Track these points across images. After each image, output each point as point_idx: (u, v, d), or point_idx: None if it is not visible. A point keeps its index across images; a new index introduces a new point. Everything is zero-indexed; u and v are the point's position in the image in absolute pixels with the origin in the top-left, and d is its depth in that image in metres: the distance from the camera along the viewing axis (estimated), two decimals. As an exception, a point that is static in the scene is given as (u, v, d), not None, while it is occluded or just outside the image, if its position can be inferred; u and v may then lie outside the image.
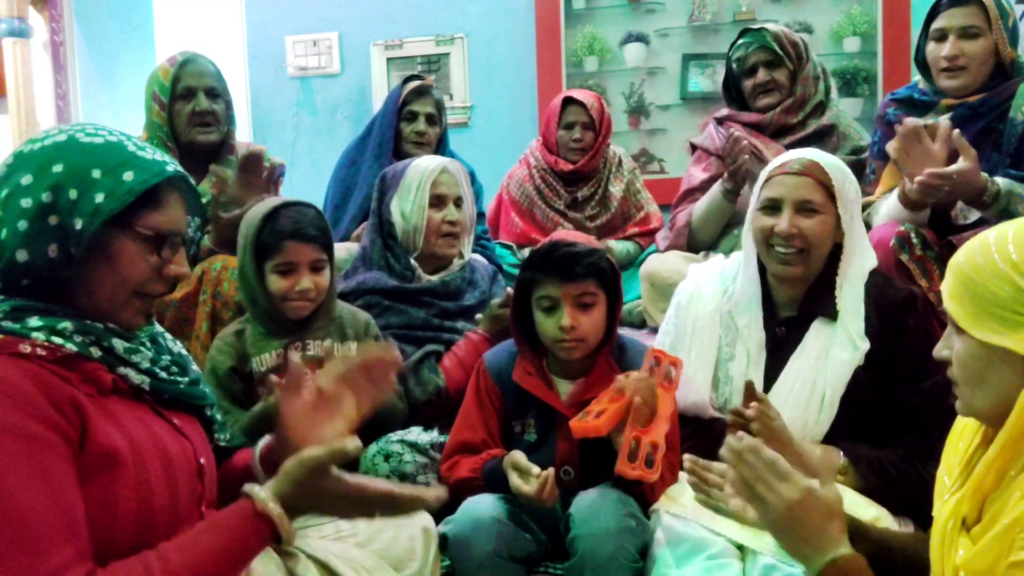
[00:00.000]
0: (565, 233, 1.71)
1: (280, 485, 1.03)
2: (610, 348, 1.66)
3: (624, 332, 1.90)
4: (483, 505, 1.52)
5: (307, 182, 3.81)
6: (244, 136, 2.59)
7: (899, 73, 3.50)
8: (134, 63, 4.29)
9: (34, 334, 0.98)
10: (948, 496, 1.04)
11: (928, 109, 2.17)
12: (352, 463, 1.69)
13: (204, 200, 2.25)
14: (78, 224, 1.00)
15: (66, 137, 1.04)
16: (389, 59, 4.15)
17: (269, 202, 1.80)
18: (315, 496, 1.03)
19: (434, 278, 2.06)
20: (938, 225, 2.04)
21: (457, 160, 2.78)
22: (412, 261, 2.04)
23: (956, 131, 1.89)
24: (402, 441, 1.73)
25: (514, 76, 4.05)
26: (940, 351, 1.05)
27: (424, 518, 1.39)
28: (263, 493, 1.01)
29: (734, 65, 2.58)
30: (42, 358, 0.97)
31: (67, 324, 1.01)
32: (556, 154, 2.91)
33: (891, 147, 1.96)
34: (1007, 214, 1.84)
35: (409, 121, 2.71)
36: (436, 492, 1.07)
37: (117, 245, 1.05)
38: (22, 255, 1.00)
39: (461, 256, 2.14)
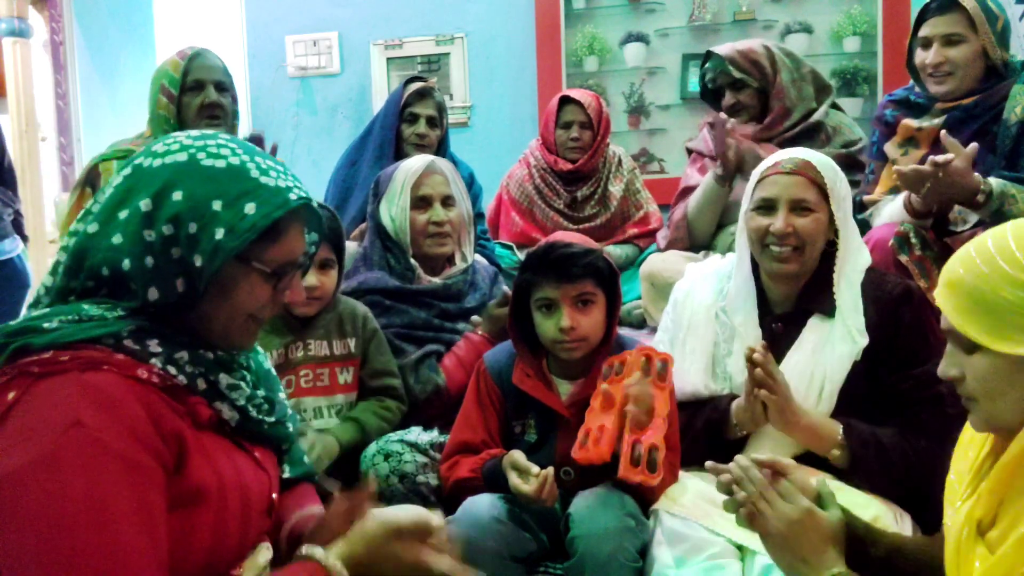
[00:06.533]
0: (562, 234, 1.71)
1: (352, 548, 1.01)
2: (609, 347, 1.66)
3: (624, 332, 1.90)
4: (483, 505, 1.52)
5: (307, 182, 3.70)
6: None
7: (899, 73, 3.48)
8: (134, 63, 4.29)
9: (152, 359, 0.95)
10: (960, 503, 1.01)
11: (924, 110, 2.18)
12: (353, 463, 1.71)
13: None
14: (197, 261, 0.96)
15: (187, 156, 0.99)
16: (389, 59, 4.15)
17: None
18: (383, 560, 1.01)
19: (436, 280, 2.06)
20: (937, 229, 2.04)
21: (456, 161, 2.79)
22: (412, 261, 2.04)
23: (943, 132, 1.89)
24: (402, 441, 1.74)
25: (514, 76, 4.05)
26: (947, 371, 1.01)
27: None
28: (331, 559, 0.99)
29: (709, 85, 2.61)
30: (155, 385, 0.95)
31: (183, 353, 0.98)
32: (555, 154, 2.91)
33: (889, 147, 1.95)
34: (1001, 215, 1.83)
35: (410, 123, 2.71)
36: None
37: (234, 278, 1.00)
38: (153, 294, 0.96)
39: (464, 259, 2.14)
